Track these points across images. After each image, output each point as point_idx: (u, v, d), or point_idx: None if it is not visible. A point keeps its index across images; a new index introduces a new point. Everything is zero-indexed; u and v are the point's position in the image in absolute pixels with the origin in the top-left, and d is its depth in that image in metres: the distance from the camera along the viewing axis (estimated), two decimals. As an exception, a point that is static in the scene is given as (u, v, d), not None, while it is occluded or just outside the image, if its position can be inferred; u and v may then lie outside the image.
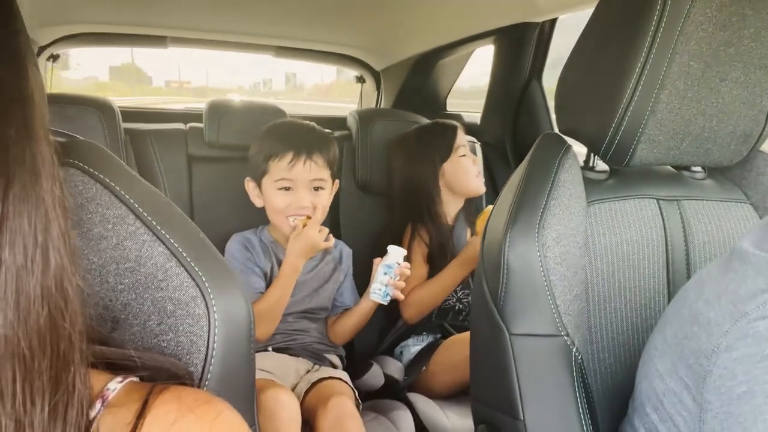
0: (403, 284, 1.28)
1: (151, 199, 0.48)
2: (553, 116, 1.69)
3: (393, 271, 1.26)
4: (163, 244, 0.46)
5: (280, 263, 1.31)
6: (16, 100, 0.33)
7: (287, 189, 1.28)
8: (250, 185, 1.36)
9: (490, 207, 1.33)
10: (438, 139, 1.52)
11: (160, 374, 0.43)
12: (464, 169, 1.51)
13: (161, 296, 0.45)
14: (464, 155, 1.51)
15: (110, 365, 0.42)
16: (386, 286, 1.26)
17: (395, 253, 1.27)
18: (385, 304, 1.30)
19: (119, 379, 0.40)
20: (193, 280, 0.46)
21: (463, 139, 1.54)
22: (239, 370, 0.47)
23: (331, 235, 1.34)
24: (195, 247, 0.48)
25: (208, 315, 0.45)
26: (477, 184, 1.52)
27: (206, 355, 0.45)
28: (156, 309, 0.45)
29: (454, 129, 1.54)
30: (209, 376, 0.45)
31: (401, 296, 1.29)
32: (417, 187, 1.52)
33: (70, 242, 0.36)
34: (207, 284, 0.46)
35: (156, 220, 0.47)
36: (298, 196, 1.28)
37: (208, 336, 0.45)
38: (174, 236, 0.47)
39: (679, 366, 0.54)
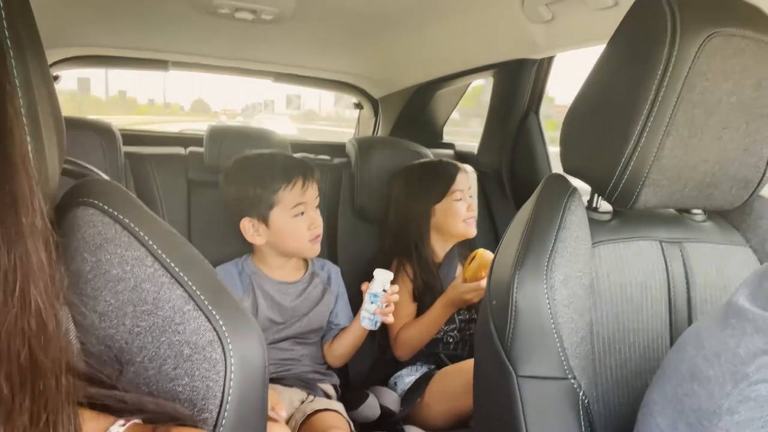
0: (391, 309, 1.28)
1: (169, 240, 0.48)
2: (550, 149, 1.72)
3: (379, 299, 1.26)
4: (181, 286, 0.46)
5: (263, 293, 1.32)
6: None
7: (302, 214, 1.30)
8: (247, 224, 1.30)
9: (479, 251, 1.35)
10: (435, 180, 1.52)
11: (163, 416, 0.42)
12: (453, 213, 1.49)
13: (178, 340, 0.45)
14: (459, 199, 1.50)
15: (112, 407, 0.41)
16: (374, 314, 1.27)
17: (381, 278, 1.27)
18: (375, 329, 1.31)
19: (122, 422, 0.40)
20: (210, 323, 0.45)
21: (463, 182, 1.51)
22: (253, 415, 0.47)
23: None
24: (212, 289, 0.47)
25: (225, 359, 0.45)
26: (464, 229, 1.50)
27: (222, 400, 0.44)
28: (172, 353, 0.44)
29: (454, 171, 1.52)
30: (224, 422, 0.44)
31: (390, 320, 1.30)
32: (408, 223, 1.53)
33: (56, 277, 0.35)
34: (224, 328, 0.46)
35: (174, 262, 0.47)
36: (311, 216, 1.31)
37: (224, 381, 0.45)
38: (192, 278, 0.47)
39: (679, 424, 0.54)
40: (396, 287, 1.29)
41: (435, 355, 1.49)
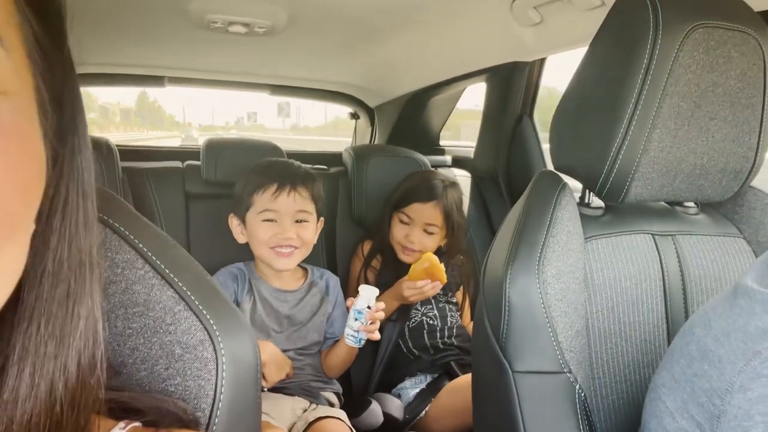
0: (375, 327, 1.25)
1: (159, 243, 0.48)
2: (545, 148, 1.73)
3: (363, 316, 1.23)
4: (172, 287, 0.46)
5: (261, 298, 1.33)
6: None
7: (271, 221, 1.30)
8: (233, 222, 1.37)
9: (427, 254, 1.35)
10: (398, 192, 1.55)
11: (164, 419, 0.42)
12: (393, 232, 1.53)
13: (169, 340, 0.45)
14: (407, 223, 1.50)
15: (112, 410, 0.42)
16: (358, 331, 1.24)
17: (366, 294, 1.23)
18: (360, 347, 1.28)
19: (122, 425, 0.40)
20: (201, 323, 0.46)
21: (422, 214, 1.49)
22: (246, 414, 0.47)
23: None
24: (202, 289, 0.48)
25: (216, 359, 0.45)
26: (396, 246, 1.53)
27: (214, 399, 0.45)
28: (164, 353, 0.45)
29: (414, 197, 1.50)
30: (216, 420, 0.45)
31: (376, 336, 1.26)
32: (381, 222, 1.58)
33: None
34: (215, 327, 0.46)
35: (164, 264, 0.47)
36: (282, 227, 1.29)
37: (216, 380, 0.45)
38: (182, 279, 0.47)
39: (690, 404, 0.54)
40: (381, 304, 1.26)
41: (444, 365, 1.48)
